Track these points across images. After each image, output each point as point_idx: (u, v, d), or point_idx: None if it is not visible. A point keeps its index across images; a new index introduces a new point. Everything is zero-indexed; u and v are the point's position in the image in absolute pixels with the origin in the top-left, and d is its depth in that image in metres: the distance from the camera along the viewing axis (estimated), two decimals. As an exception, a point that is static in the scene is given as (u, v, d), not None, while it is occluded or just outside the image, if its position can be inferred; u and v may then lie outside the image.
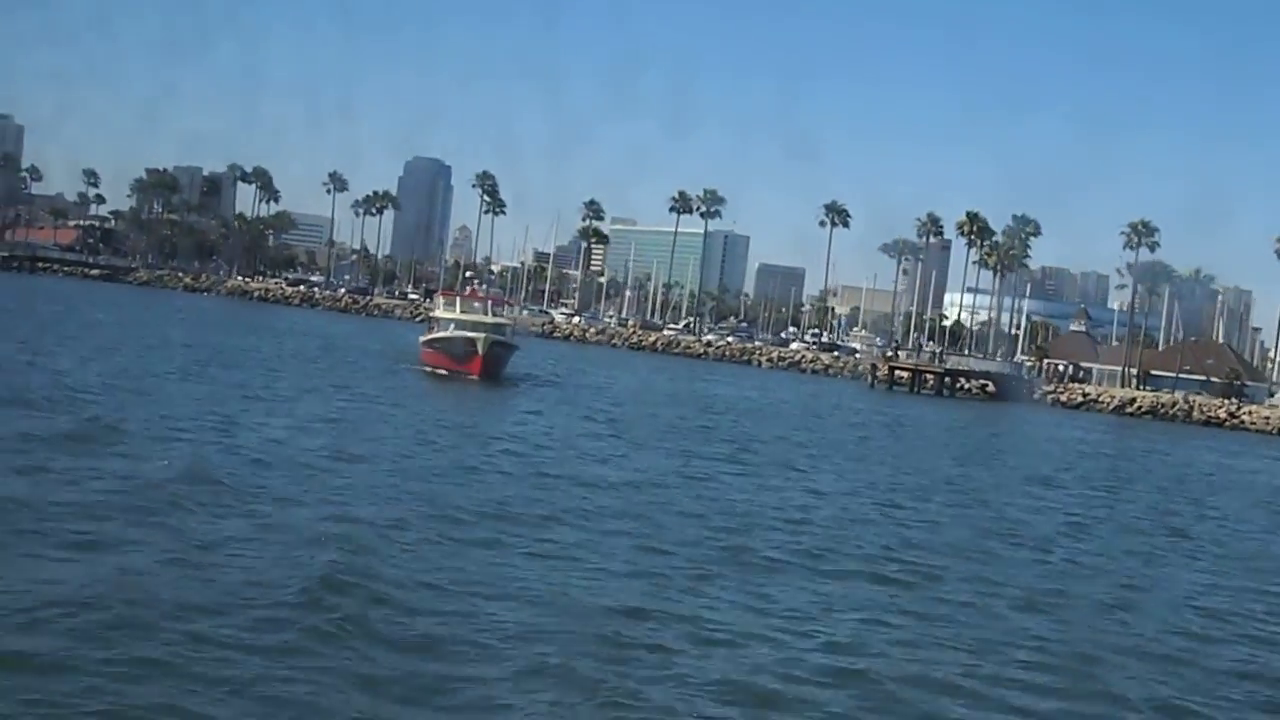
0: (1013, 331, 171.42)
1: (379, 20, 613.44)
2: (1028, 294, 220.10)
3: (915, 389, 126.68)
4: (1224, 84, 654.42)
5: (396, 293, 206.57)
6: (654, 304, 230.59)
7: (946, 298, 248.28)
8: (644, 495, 32.73)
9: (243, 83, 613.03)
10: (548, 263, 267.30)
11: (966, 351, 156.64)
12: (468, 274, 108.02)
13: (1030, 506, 41.38)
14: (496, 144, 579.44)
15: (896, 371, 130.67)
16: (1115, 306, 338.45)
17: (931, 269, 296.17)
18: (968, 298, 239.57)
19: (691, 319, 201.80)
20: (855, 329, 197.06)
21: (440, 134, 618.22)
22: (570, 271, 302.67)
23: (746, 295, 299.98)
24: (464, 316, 74.46)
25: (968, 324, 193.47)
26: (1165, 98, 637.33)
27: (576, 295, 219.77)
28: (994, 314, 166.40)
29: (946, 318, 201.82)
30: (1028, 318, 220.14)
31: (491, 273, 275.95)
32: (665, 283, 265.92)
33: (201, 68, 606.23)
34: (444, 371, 70.70)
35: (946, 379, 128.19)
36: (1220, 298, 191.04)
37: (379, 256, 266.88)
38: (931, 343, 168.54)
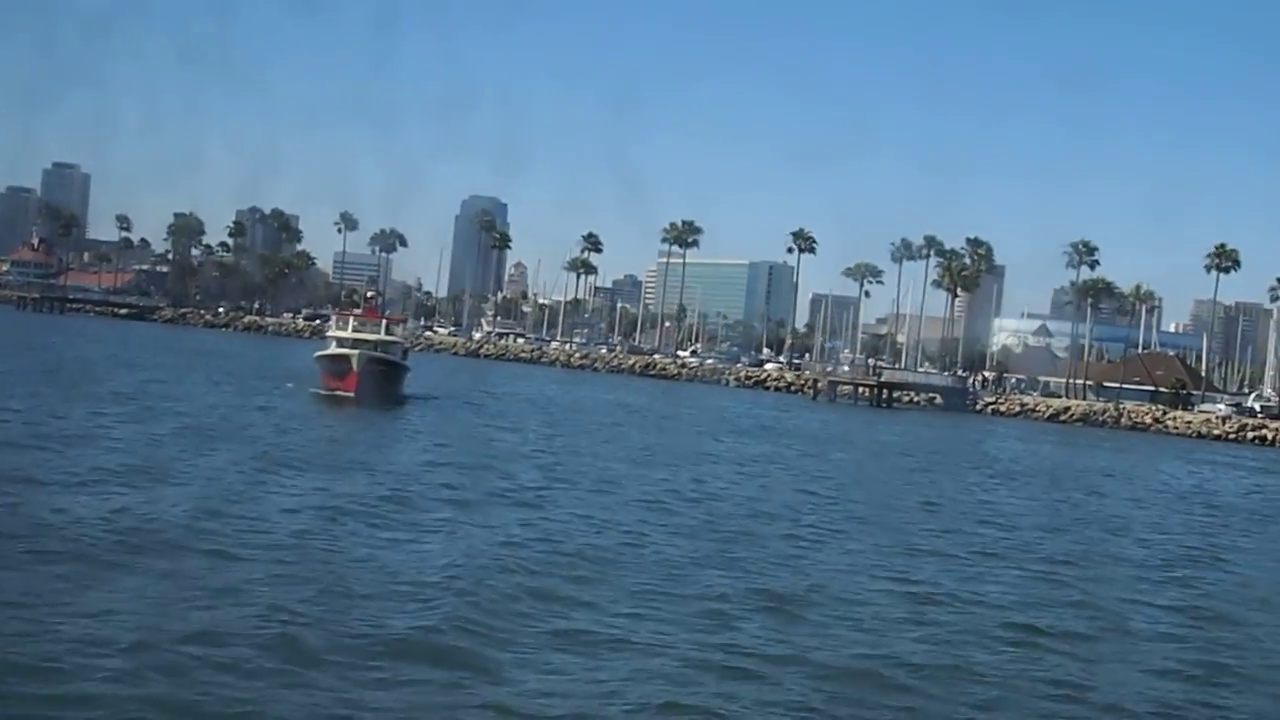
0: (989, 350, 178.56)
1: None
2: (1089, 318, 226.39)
3: (855, 401, 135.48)
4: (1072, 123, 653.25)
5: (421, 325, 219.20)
6: (691, 333, 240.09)
7: (996, 323, 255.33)
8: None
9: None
10: (597, 296, 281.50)
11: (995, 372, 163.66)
12: (368, 294, 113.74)
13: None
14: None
15: (838, 386, 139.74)
16: (1171, 328, 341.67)
17: (974, 297, 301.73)
18: (1020, 322, 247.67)
19: (696, 345, 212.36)
20: (845, 351, 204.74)
21: (282, 181, 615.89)
22: (626, 306, 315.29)
23: (780, 323, 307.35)
24: (346, 334, 73.83)
25: (1014, 348, 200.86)
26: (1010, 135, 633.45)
27: (589, 325, 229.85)
28: (949, 330, 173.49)
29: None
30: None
31: (540, 304, 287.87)
32: (702, 313, 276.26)
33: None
34: (332, 391, 68.76)
35: (882, 391, 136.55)
36: (1274, 315, 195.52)
37: (425, 293, 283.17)
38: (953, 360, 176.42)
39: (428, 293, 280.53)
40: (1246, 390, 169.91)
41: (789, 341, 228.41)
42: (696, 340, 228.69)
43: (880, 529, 35.72)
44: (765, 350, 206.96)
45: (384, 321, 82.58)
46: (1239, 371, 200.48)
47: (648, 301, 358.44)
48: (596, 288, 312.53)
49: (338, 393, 68.18)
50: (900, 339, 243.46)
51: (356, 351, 69.30)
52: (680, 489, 41.18)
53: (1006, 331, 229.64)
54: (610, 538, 29.36)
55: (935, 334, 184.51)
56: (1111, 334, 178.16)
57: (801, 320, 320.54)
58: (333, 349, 72.59)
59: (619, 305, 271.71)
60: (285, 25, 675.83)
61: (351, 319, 79.40)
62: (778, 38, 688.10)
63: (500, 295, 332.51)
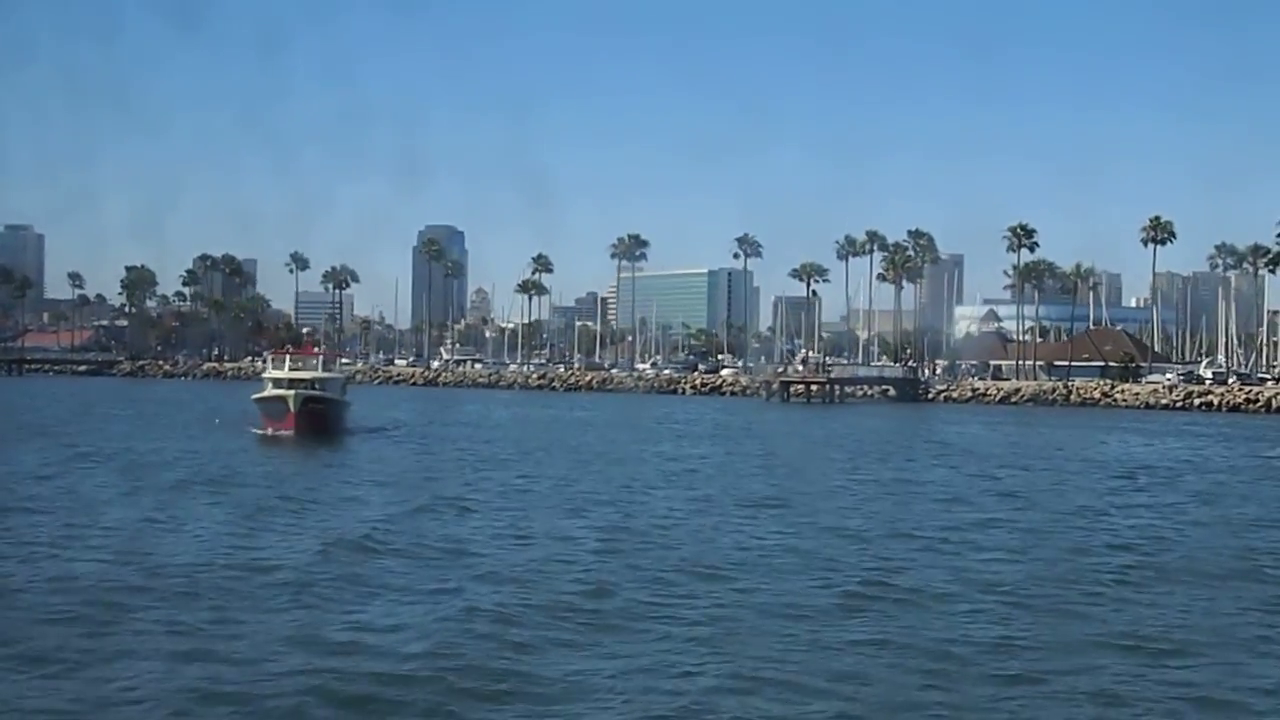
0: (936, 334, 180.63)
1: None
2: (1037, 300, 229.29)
3: (808, 399, 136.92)
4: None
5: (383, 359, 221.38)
6: (653, 345, 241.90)
7: (958, 311, 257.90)
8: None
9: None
10: (558, 315, 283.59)
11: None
12: (305, 330, 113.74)
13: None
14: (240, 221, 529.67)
15: (791, 386, 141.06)
16: (1132, 303, 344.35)
17: (934, 286, 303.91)
18: (977, 309, 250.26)
19: (656, 357, 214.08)
20: (801, 351, 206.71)
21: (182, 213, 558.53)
22: (588, 323, 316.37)
23: (740, 328, 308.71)
24: (281, 374, 73.49)
25: (975, 335, 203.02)
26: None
27: (551, 345, 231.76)
28: (898, 323, 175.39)
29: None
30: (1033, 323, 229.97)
31: (500, 329, 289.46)
32: (663, 324, 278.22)
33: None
34: (272, 432, 68.85)
35: (832, 387, 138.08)
36: (1233, 283, 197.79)
37: (386, 326, 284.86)
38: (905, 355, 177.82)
39: (389, 326, 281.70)
40: (1197, 359, 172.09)
41: (754, 345, 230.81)
42: (657, 352, 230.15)
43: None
44: (728, 356, 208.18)
45: (320, 358, 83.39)
46: (1194, 341, 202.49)
47: (611, 318, 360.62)
48: (558, 307, 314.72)
49: (278, 433, 68.10)
50: (866, 335, 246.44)
51: (292, 392, 69.28)
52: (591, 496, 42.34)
53: (967, 319, 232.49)
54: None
55: (900, 327, 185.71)
56: (1072, 314, 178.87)
57: (765, 323, 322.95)
58: (269, 390, 72.30)
59: (577, 323, 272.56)
60: (178, 60, 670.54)
61: (287, 358, 79.70)
62: (672, 34, 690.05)
63: (463, 322, 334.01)
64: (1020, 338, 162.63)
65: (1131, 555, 31.07)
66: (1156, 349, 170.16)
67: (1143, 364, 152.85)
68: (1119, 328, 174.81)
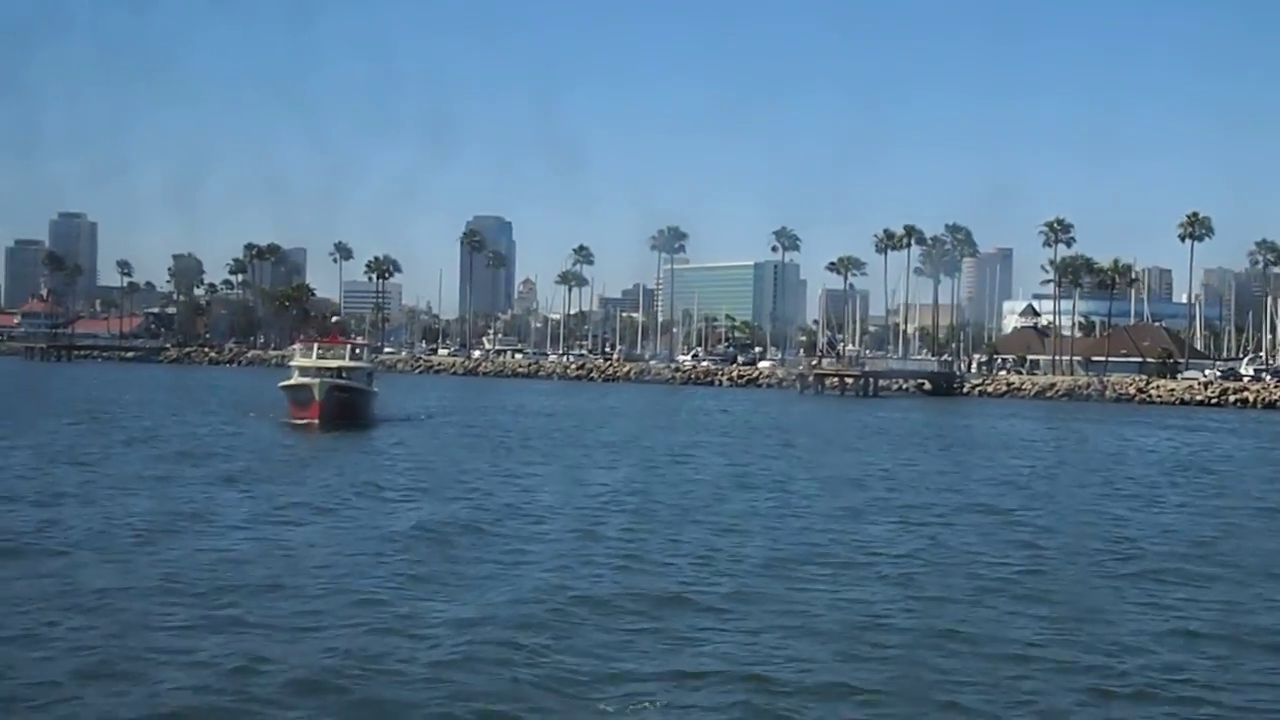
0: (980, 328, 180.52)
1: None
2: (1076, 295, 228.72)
3: (842, 392, 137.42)
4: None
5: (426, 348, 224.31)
6: (697, 337, 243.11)
7: (1006, 305, 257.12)
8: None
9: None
10: (609, 307, 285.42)
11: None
12: (333, 318, 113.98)
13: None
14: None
15: (825, 379, 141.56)
16: (1183, 299, 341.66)
17: (978, 280, 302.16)
18: (1042, 304, 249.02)
19: (698, 349, 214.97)
20: (843, 344, 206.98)
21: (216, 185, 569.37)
22: (633, 315, 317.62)
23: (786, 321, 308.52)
24: (308, 363, 73.80)
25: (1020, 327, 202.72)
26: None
27: (591, 337, 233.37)
28: (935, 317, 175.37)
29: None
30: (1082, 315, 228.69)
31: (545, 320, 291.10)
32: (708, 316, 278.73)
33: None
34: (298, 420, 68.96)
35: (867, 381, 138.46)
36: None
37: (433, 316, 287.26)
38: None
39: (435, 315, 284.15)
40: (1240, 356, 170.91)
41: (799, 338, 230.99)
42: (700, 344, 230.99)
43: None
44: (771, 349, 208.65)
45: (348, 347, 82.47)
46: (1240, 337, 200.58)
47: (656, 309, 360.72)
48: (605, 298, 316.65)
49: (303, 421, 68.10)
50: (911, 328, 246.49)
51: (318, 381, 69.71)
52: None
53: (1015, 314, 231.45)
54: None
55: (943, 321, 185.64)
56: (1109, 309, 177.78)
57: (812, 316, 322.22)
58: (295, 379, 72.64)
59: (619, 314, 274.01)
60: (212, 34, 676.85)
61: (315, 347, 79.20)
62: (694, 16, 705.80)
63: (509, 313, 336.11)
64: (1057, 333, 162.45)
65: (1100, 543, 31.87)
66: (1199, 346, 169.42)
67: (1181, 360, 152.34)
68: (1161, 324, 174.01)
